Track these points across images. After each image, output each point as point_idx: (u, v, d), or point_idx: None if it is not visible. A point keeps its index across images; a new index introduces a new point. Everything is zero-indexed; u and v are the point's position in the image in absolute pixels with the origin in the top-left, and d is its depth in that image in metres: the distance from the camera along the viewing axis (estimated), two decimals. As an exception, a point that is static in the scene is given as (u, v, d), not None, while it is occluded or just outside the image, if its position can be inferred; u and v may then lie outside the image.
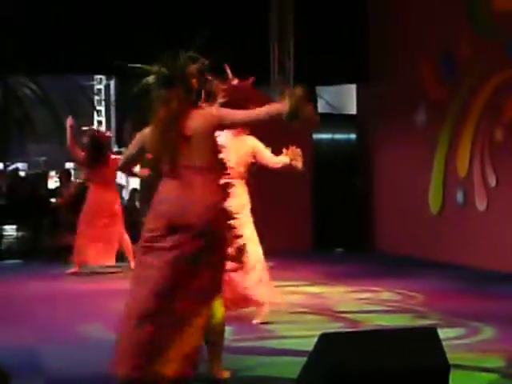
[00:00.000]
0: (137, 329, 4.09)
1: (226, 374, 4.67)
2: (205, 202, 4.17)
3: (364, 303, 7.62)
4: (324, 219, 12.89)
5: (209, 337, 4.49)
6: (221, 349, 4.63)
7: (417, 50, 11.78)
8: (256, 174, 12.57)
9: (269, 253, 11.53)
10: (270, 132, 12.93)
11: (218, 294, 4.35)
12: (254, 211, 13.07)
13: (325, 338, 3.53)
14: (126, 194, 14.89)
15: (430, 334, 3.66)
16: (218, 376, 4.62)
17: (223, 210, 4.28)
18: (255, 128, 6.46)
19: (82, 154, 9.58)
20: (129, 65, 4.36)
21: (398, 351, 3.55)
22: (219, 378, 4.62)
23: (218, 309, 4.49)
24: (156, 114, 4.25)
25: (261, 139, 12.75)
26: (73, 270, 9.54)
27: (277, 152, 12.81)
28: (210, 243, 4.17)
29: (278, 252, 11.77)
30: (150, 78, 4.27)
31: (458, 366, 4.57)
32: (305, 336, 5.71)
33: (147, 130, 4.35)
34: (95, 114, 22.73)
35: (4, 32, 10.65)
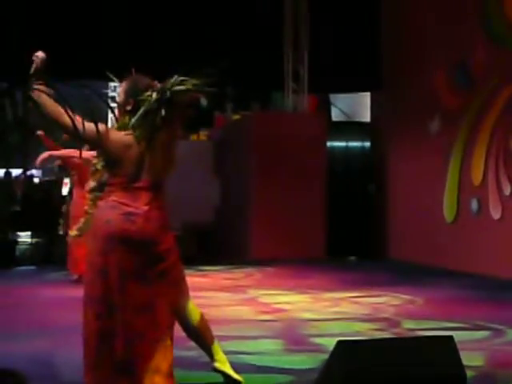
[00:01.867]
0: (98, 348, 4.06)
1: (239, 378, 4.65)
2: (149, 216, 4.13)
3: (378, 311, 7.60)
4: (338, 227, 12.88)
5: (195, 338, 4.49)
6: (215, 347, 4.55)
7: (431, 59, 11.77)
8: (270, 182, 12.66)
9: (282, 260, 11.63)
10: (282, 141, 13.00)
11: (174, 305, 4.23)
12: (268, 219, 13.08)
13: (341, 346, 3.52)
14: None
15: (447, 342, 3.65)
16: (224, 370, 4.57)
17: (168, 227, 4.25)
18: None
19: None
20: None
21: (414, 359, 3.54)
22: (226, 372, 4.58)
23: (193, 309, 4.45)
24: (154, 129, 4.14)
25: (273, 148, 12.84)
26: None
27: (291, 162, 12.75)
28: (154, 255, 4.13)
29: (292, 260, 11.80)
30: (154, 95, 4.16)
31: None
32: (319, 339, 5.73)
33: (120, 137, 4.16)
34: (110, 119, 22.87)
35: (22, 38, 10.71)
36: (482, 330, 6.51)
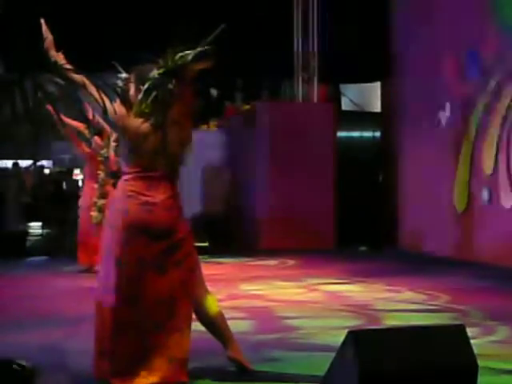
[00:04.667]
0: (114, 336, 4.06)
1: (250, 366, 4.64)
2: (166, 204, 4.13)
3: (387, 301, 7.58)
4: (347, 217, 12.86)
5: (212, 329, 4.49)
6: (229, 336, 4.54)
7: (442, 48, 11.71)
8: (280, 173, 12.64)
9: (292, 251, 11.62)
10: (292, 131, 12.97)
11: (191, 293, 4.23)
12: (278, 209, 13.04)
13: (352, 336, 3.51)
14: None
15: (459, 331, 3.63)
16: (238, 359, 4.56)
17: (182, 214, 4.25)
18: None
19: None
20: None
21: (425, 349, 3.53)
22: (240, 361, 4.57)
23: (212, 301, 4.45)
24: (167, 108, 4.11)
25: (282, 138, 12.81)
26: None
27: (301, 152, 12.70)
28: (171, 244, 4.13)
29: (302, 250, 11.79)
30: (158, 71, 4.14)
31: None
32: (329, 332, 5.74)
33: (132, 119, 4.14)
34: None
35: (33, 29, 10.72)
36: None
